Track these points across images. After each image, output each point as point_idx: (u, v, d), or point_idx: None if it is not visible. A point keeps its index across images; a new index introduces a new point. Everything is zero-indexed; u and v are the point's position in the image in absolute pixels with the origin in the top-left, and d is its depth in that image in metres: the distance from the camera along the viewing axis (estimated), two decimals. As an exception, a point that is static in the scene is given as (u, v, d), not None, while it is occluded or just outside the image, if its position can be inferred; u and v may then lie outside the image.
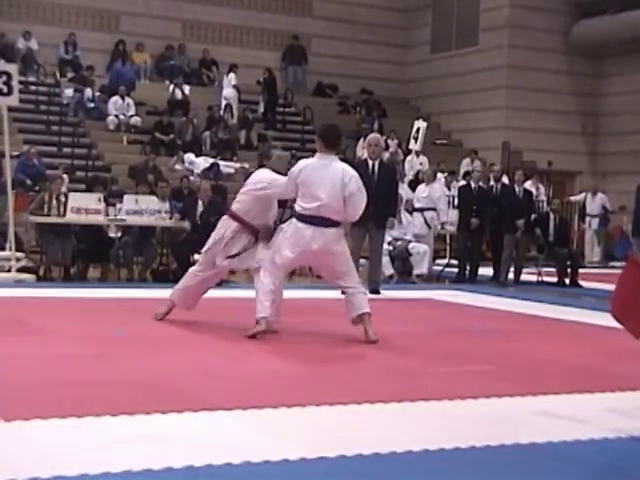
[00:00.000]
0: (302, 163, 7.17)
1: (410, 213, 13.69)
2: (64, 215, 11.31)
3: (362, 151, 18.79)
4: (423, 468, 3.86)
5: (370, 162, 10.96)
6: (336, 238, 7.10)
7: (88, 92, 20.03)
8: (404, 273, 13.21)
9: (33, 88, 20.10)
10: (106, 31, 22.63)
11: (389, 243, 12.85)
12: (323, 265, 7.39)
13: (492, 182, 14.55)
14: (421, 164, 17.71)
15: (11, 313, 8.20)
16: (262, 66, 22.60)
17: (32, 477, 3.42)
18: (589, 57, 23.77)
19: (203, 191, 11.98)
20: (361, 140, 19.75)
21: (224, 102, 20.97)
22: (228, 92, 21.19)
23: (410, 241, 13.23)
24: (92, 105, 20.00)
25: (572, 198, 21.25)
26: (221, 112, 20.59)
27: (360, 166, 11.51)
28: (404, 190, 13.64)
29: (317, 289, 11.60)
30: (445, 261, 15.19)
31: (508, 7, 23.08)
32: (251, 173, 8.50)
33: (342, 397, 5.02)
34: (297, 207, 7.12)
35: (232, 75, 21.40)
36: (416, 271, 13.17)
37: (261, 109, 21.79)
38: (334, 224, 7.03)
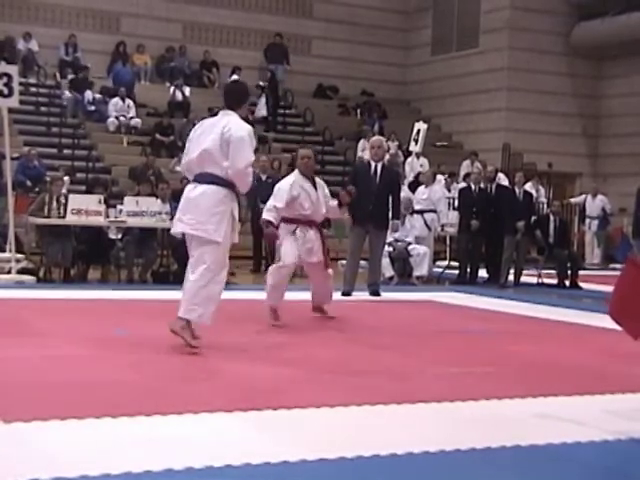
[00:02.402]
0: (201, 121, 6.82)
1: (411, 215, 13.68)
2: (64, 216, 11.31)
3: (363, 152, 18.81)
4: (423, 470, 3.86)
5: (373, 164, 10.98)
6: (208, 196, 6.27)
7: (88, 94, 20.04)
8: (404, 275, 13.20)
9: (33, 90, 20.11)
10: (106, 32, 22.63)
11: (389, 244, 12.86)
12: (193, 222, 6.31)
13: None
14: (421, 166, 17.70)
15: (11, 314, 8.20)
16: (263, 68, 22.61)
17: (32, 479, 3.42)
18: (590, 59, 23.77)
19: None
20: (362, 141, 19.77)
21: None
22: None
23: (410, 243, 13.22)
24: (92, 108, 20.01)
25: (572, 200, 21.25)
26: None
27: (362, 167, 11.58)
28: (404, 192, 13.62)
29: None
30: (445, 263, 15.19)
31: (509, 9, 23.08)
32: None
33: (342, 399, 5.02)
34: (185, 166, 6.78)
35: (235, 77, 21.43)
36: (416, 273, 13.17)
37: (261, 110, 21.76)
38: (216, 181, 6.28)
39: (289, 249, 8.00)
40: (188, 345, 6.24)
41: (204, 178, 6.32)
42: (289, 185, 8.18)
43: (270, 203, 8.08)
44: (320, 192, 8.35)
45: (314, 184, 8.33)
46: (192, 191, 6.37)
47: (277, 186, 8.28)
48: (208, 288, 6.23)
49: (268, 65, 22.88)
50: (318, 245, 8.24)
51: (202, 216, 6.24)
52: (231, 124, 6.35)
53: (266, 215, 8.07)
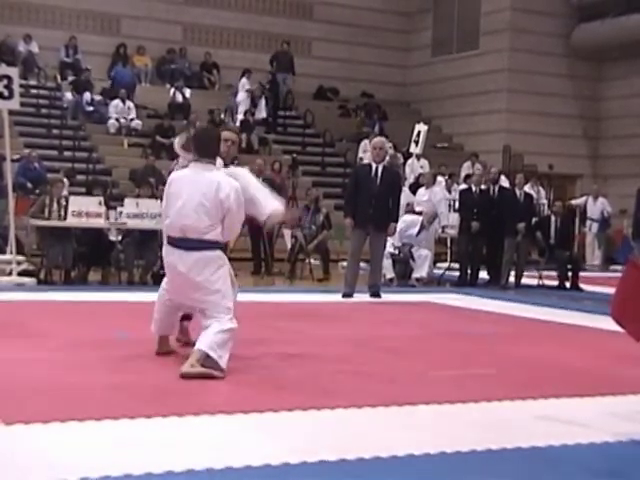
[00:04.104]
0: (174, 174, 6.07)
1: (427, 227, 13.55)
2: (65, 218, 11.32)
3: (363, 154, 18.80)
4: (424, 472, 3.85)
5: (374, 166, 10.99)
6: (205, 264, 5.74)
7: (87, 96, 20.06)
8: (405, 276, 13.19)
9: (34, 91, 20.12)
10: (107, 34, 22.63)
11: (397, 248, 12.89)
12: (194, 300, 5.85)
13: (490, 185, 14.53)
14: (422, 167, 17.69)
15: (12, 316, 8.20)
16: (263, 69, 22.61)
17: (32, 481, 3.43)
18: (590, 60, 23.77)
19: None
20: (362, 143, 19.77)
21: (239, 107, 20.99)
22: (241, 96, 21.27)
23: (412, 245, 13.21)
24: (91, 108, 20.02)
25: (573, 202, 21.24)
26: (222, 115, 20.60)
27: (362, 170, 11.58)
28: (405, 195, 13.60)
29: (318, 293, 11.60)
30: (446, 264, 15.18)
31: (509, 11, 23.08)
32: None
33: (343, 401, 5.01)
34: (164, 225, 6.08)
35: (244, 80, 21.47)
36: (415, 274, 13.14)
37: (261, 112, 21.77)
38: (204, 246, 5.74)
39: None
40: (210, 376, 5.50)
41: (186, 244, 5.75)
42: None
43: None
44: None
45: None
46: (180, 263, 5.77)
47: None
48: (226, 335, 5.71)
49: (276, 73, 22.81)
50: None
51: (201, 290, 5.74)
52: (227, 189, 5.71)
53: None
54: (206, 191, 5.72)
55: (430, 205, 14.19)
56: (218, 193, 5.70)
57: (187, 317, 6.61)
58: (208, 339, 5.61)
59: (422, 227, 13.20)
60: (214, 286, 5.73)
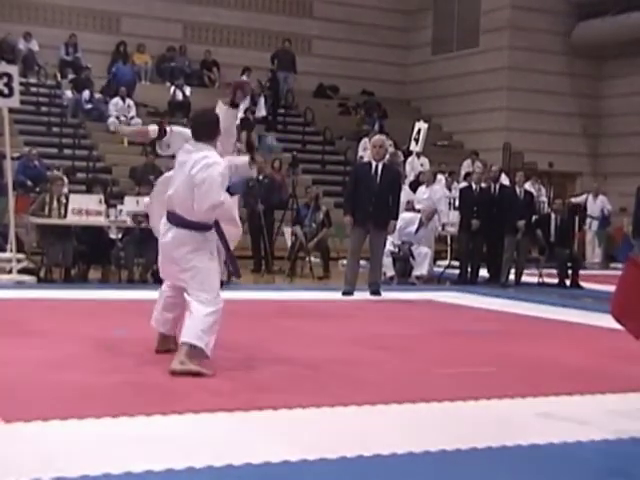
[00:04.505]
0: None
1: (426, 224, 13.55)
2: (65, 216, 11.31)
3: (363, 152, 18.80)
4: (424, 469, 3.86)
5: (374, 164, 10.99)
6: (182, 241, 5.84)
7: (85, 93, 20.04)
8: (405, 275, 13.19)
9: (34, 89, 20.10)
10: (107, 32, 22.63)
11: (396, 245, 12.90)
12: (173, 275, 6.03)
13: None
14: (422, 165, 17.69)
15: (12, 314, 8.20)
16: (263, 67, 22.60)
17: (33, 478, 3.43)
18: (590, 58, 23.76)
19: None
20: (362, 141, 19.77)
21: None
22: None
23: (412, 243, 13.22)
24: (90, 106, 20.01)
25: (573, 200, 21.24)
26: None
27: (362, 168, 11.58)
28: (405, 192, 13.60)
29: (318, 291, 11.60)
30: (446, 262, 15.18)
31: (509, 9, 23.07)
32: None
33: (343, 399, 5.02)
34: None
35: (244, 78, 21.46)
36: (415, 272, 13.14)
37: (261, 110, 21.75)
38: (187, 225, 5.83)
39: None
40: (199, 374, 5.55)
41: (173, 218, 5.90)
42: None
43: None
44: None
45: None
46: (165, 235, 5.95)
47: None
48: (211, 317, 5.71)
49: (277, 71, 22.77)
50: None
51: (177, 266, 5.88)
52: (201, 163, 5.76)
53: None
54: (186, 169, 5.86)
55: (429, 202, 14.19)
56: (191, 170, 5.80)
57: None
58: (194, 328, 5.67)
59: (420, 224, 13.21)
60: (189, 264, 5.80)
